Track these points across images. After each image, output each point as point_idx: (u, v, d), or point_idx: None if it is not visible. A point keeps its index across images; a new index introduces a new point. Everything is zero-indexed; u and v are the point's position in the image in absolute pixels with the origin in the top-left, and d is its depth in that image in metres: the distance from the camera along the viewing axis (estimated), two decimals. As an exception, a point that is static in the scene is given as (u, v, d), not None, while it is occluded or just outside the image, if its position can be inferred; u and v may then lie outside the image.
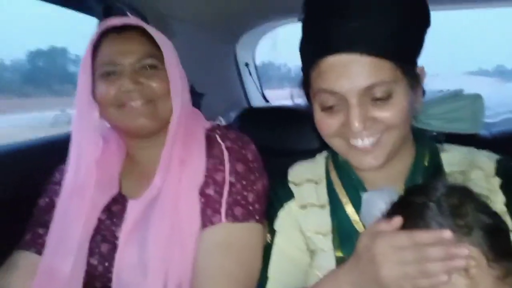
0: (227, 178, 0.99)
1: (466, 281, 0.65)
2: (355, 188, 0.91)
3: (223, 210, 0.96)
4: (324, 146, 0.93)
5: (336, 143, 0.86)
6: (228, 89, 2.20)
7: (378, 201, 0.77)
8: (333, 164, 0.97)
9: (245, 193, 0.98)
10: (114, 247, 0.99)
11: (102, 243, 1.02)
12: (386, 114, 0.78)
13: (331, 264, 0.88)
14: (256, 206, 0.99)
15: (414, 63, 0.82)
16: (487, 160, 0.89)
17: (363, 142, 0.81)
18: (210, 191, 0.98)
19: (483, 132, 1.56)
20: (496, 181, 0.85)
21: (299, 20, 0.86)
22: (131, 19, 1.09)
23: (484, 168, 0.87)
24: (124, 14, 1.54)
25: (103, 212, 1.03)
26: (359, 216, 0.87)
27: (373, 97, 0.77)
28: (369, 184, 0.91)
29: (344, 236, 0.89)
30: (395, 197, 0.76)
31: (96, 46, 1.02)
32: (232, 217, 0.96)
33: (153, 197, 0.98)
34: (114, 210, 1.04)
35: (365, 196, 0.81)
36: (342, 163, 0.94)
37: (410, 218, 0.68)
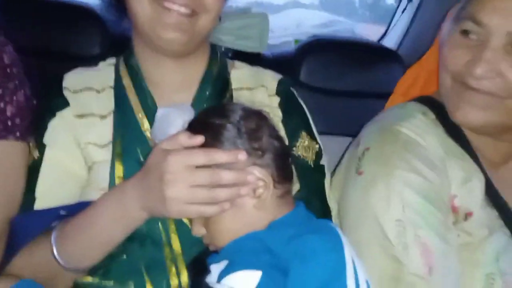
0: None
1: (254, 201, 0.69)
2: (146, 99, 0.87)
3: None
4: (106, 53, 0.82)
5: (145, 7, 0.79)
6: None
7: (174, 117, 0.74)
8: (127, 69, 0.90)
9: (1, 105, 0.80)
10: None
11: None
12: None
13: (106, 178, 0.82)
14: (17, 120, 0.83)
15: None
16: (270, 80, 0.97)
17: (176, 7, 0.78)
18: None
19: (266, 52, 1.64)
20: (276, 100, 0.94)
21: None
22: None
23: (268, 87, 0.95)
24: None
25: None
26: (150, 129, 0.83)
27: None
28: (159, 92, 0.88)
29: (129, 144, 0.85)
30: (191, 116, 0.75)
31: None
32: None
33: None
34: None
35: (160, 111, 0.77)
36: (136, 68, 0.89)
37: (208, 138, 0.69)
